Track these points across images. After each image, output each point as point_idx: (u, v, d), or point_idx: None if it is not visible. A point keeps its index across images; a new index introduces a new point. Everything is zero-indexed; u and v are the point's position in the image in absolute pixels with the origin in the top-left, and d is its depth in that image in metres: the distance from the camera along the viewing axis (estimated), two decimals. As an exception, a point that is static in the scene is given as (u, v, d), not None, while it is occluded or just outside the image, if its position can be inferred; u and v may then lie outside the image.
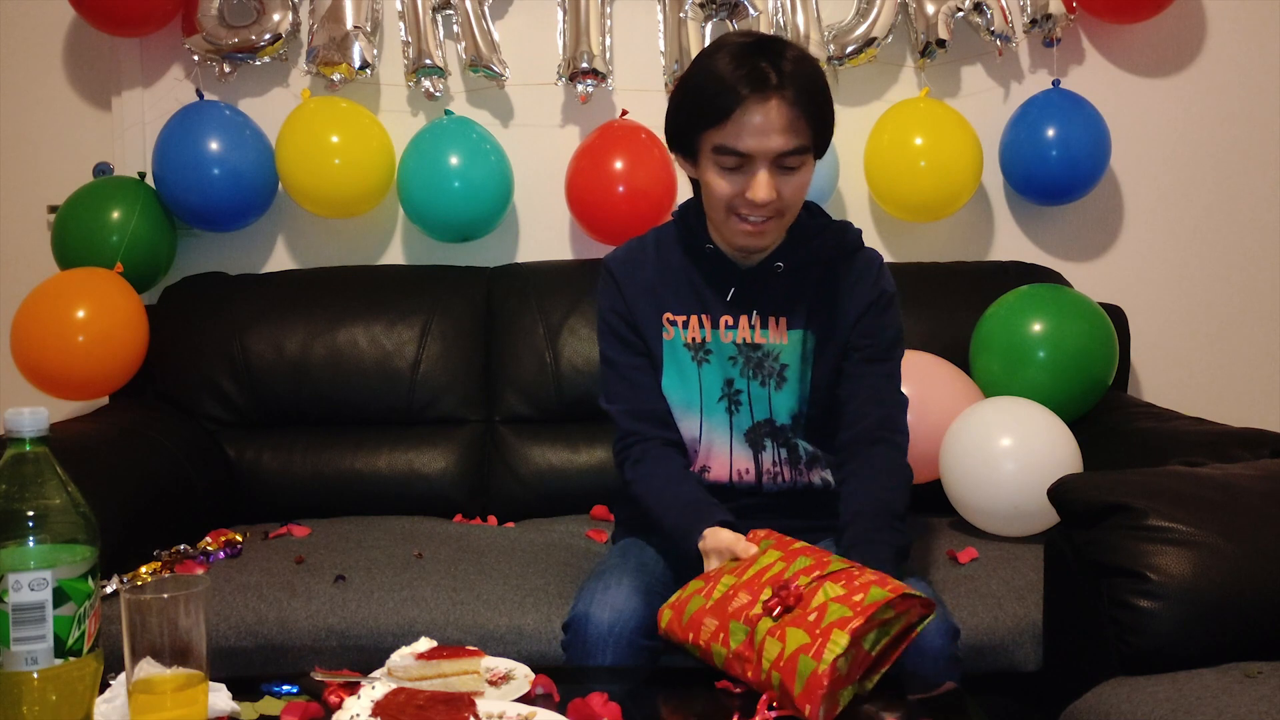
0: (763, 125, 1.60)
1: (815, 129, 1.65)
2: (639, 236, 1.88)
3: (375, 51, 2.65)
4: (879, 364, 1.77)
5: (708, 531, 1.59)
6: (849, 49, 2.63)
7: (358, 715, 1.18)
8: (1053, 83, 2.67)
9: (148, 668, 1.16)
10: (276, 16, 2.61)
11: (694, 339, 1.77)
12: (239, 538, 2.14)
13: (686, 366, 1.77)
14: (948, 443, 2.18)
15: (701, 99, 1.64)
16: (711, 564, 1.57)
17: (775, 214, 1.66)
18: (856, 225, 1.84)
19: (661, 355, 1.78)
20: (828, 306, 1.77)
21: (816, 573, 1.39)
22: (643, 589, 1.64)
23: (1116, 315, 2.49)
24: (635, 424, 1.78)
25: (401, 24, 2.65)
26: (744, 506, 1.77)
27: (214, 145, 2.53)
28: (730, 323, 1.76)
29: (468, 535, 2.19)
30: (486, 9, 2.64)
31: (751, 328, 1.75)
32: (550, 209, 2.73)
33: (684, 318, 1.77)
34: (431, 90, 2.64)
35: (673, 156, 1.78)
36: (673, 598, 1.53)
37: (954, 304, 2.50)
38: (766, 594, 1.39)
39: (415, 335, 2.52)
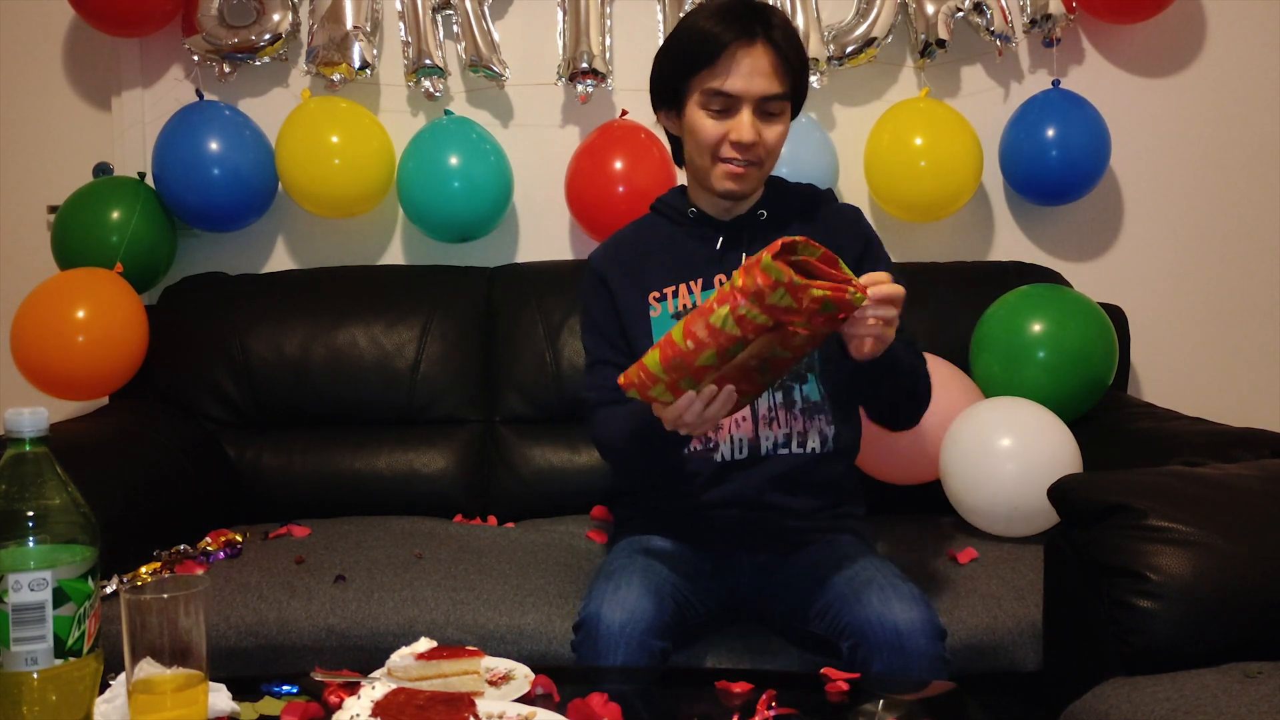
0: (749, 68, 1.71)
1: (794, 84, 1.75)
2: (618, 230, 1.97)
3: (375, 51, 2.65)
4: None
5: None
6: (849, 49, 2.63)
7: (358, 715, 1.18)
8: (1053, 83, 2.67)
9: (148, 668, 1.16)
10: (276, 16, 2.61)
11: (684, 305, 1.82)
12: (239, 538, 2.14)
13: None
14: (948, 443, 2.18)
15: (690, 47, 1.75)
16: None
17: (756, 160, 1.76)
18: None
19: (652, 336, 1.82)
20: None
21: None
22: (653, 589, 1.65)
23: (1116, 315, 2.49)
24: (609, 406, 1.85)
25: (401, 24, 2.65)
26: (744, 487, 1.79)
27: (214, 145, 2.53)
28: (724, 280, 1.79)
29: (468, 535, 2.19)
30: (486, 9, 2.64)
31: None
32: (550, 209, 2.72)
33: (672, 288, 1.83)
34: (431, 90, 2.64)
35: (656, 117, 1.86)
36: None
37: (954, 304, 2.50)
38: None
39: (415, 335, 2.52)
